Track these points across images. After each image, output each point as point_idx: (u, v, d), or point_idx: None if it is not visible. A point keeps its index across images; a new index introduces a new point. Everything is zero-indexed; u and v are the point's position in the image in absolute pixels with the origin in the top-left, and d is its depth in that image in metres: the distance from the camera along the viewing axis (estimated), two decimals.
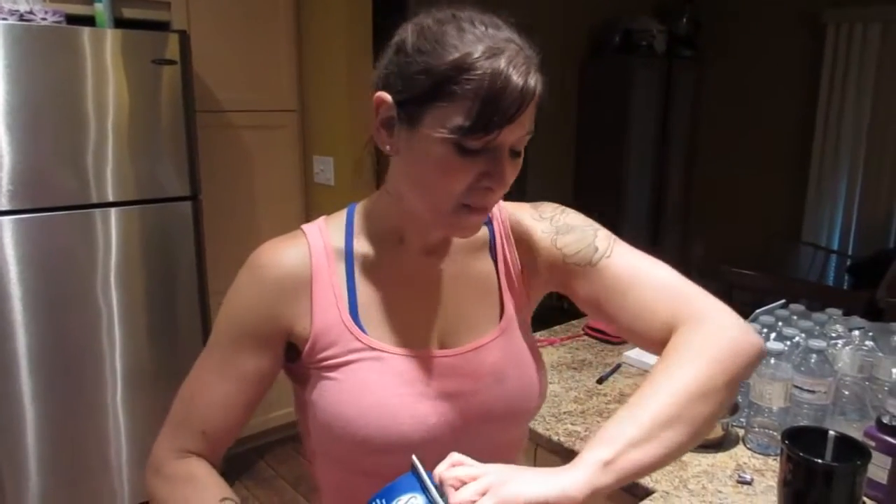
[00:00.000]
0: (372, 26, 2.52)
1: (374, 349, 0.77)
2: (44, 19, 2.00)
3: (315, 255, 0.78)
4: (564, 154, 4.33)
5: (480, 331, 0.82)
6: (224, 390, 0.79)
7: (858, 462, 0.87)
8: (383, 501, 0.60)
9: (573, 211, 0.88)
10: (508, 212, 0.88)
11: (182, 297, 2.38)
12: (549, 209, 0.89)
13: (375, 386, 0.76)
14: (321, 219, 0.83)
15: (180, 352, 2.40)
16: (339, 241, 0.81)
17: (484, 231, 0.87)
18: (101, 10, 2.13)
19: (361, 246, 0.81)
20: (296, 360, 0.80)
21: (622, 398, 1.44)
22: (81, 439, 2.25)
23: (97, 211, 2.15)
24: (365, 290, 0.79)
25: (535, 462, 1.30)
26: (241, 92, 2.58)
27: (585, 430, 1.28)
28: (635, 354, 1.65)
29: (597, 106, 4.30)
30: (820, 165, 4.42)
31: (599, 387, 1.47)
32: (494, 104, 0.66)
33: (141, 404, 2.34)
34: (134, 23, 2.29)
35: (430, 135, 0.68)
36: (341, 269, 0.79)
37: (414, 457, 0.63)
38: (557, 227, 0.86)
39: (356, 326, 0.77)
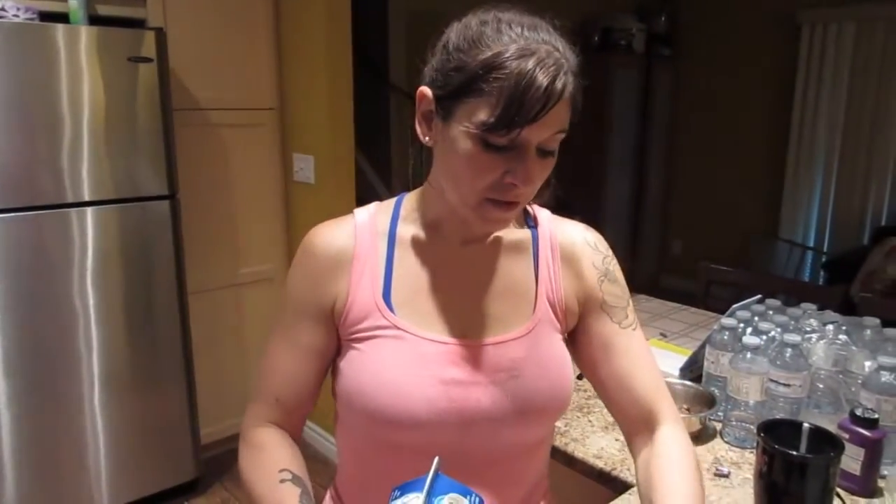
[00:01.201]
0: (352, 22, 2.51)
1: (398, 328, 0.81)
2: (16, 16, 1.97)
3: (359, 235, 0.84)
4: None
5: (508, 327, 0.84)
6: (290, 360, 0.85)
7: (832, 454, 0.88)
8: (398, 493, 0.64)
9: (615, 261, 0.93)
10: (560, 227, 0.91)
11: (160, 298, 2.36)
12: (604, 245, 0.93)
13: (393, 363, 0.80)
14: (374, 203, 0.89)
15: (159, 352, 2.38)
16: (385, 225, 0.86)
17: (527, 234, 0.89)
18: (75, 6, 2.10)
19: (404, 231, 0.85)
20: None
21: None
22: (59, 442, 2.22)
23: (73, 210, 2.12)
24: (401, 273, 0.83)
25: None
26: (219, 90, 2.56)
27: (565, 426, 1.29)
28: None
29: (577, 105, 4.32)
30: (796, 164, 4.48)
31: (580, 382, 1.48)
32: (518, 103, 0.68)
33: (119, 406, 2.31)
34: (109, 20, 2.26)
35: (460, 129, 0.72)
36: (383, 250, 0.84)
37: (436, 460, 0.65)
38: (607, 270, 0.91)
39: (385, 305, 0.82)
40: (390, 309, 0.82)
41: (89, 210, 2.14)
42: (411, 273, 0.84)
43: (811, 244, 4.54)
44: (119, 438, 2.32)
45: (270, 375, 0.87)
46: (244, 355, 2.88)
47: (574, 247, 0.89)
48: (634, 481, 1.11)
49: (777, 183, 4.57)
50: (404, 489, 0.63)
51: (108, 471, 2.33)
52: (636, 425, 0.89)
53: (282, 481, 0.78)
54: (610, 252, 0.93)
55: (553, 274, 0.87)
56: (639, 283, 2.34)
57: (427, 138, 0.78)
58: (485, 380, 0.81)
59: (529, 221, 0.91)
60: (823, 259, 4.35)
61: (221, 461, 2.74)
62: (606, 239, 0.94)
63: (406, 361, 0.80)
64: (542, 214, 0.92)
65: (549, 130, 0.72)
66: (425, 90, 0.76)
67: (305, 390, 0.86)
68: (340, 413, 0.87)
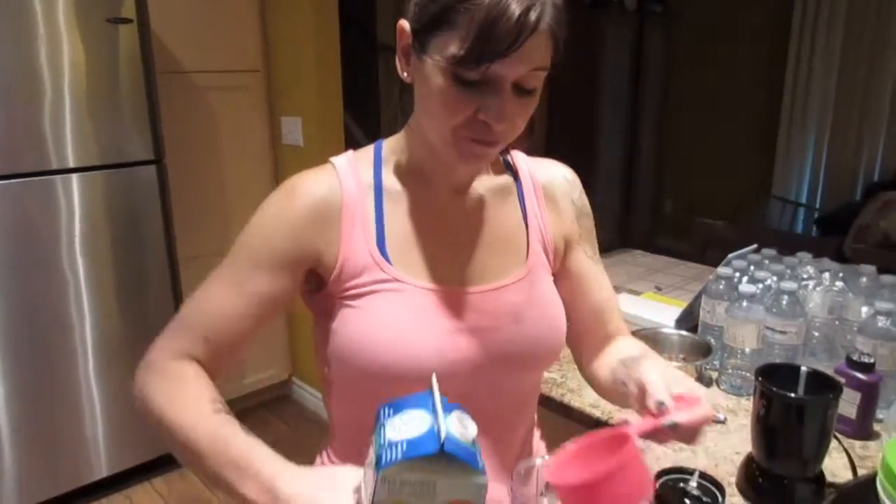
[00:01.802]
0: None
1: (397, 280, 0.78)
2: None
3: (345, 186, 0.79)
4: (537, 110, 4.30)
5: (504, 273, 0.83)
6: (234, 303, 0.78)
7: (831, 396, 0.88)
8: (391, 411, 0.60)
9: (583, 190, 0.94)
10: (538, 168, 0.91)
11: (151, 265, 2.33)
12: (575, 177, 0.93)
13: (397, 317, 0.77)
14: (349, 152, 0.84)
15: (151, 319, 2.36)
16: (369, 176, 0.81)
17: (509, 179, 0.88)
18: None
19: (390, 181, 0.82)
20: (320, 289, 0.81)
21: None
22: (55, 412, 2.21)
23: (58, 177, 2.08)
24: (392, 224, 0.80)
25: None
26: (203, 52, 2.50)
27: (562, 377, 1.28)
28: None
29: (568, 63, 4.27)
30: (789, 122, 4.45)
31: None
32: (487, 35, 0.64)
33: (114, 374, 2.30)
34: None
35: (432, 63, 0.69)
36: (370, 201, 0.80)
37: (434, 376, 0.62)
38: (583, 203, 0.92)
39: (382, 258, 0.78)
40: (387, 261, 0.78)
41: (74, 177, 2.10)
42: (403, 224, 0.81)
43: (804, 201, 4.53)
44: (115, 407, 2.32)
45: (204, 313, 0.79)
46: None
47: (554, 186, 0.90)
48: None
49: (770, 141, 4.54)
50: (398, 407, 0.59)
51: (105, 439, 2.33)
52: (598, 349, 0.93)
53: (216, 412, 0.72)
54: (579, 182, 0.94)
55: (540, 217, 0.87)
56: (632, 242, 2.34)
57: (405, 74, 0.75)
58: (490, 326, 0.80)
59: (509, 166, 0.90)
60: (816, 216, 4.35)
61: None
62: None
63: (410, 314, 0.77)
64: (519, 157, 0.90)
65: (525, 66, 0.67)
66: (404, 24, 0.73)
67: (240, 338, 0.79)
68: (336, 379, 0.84)
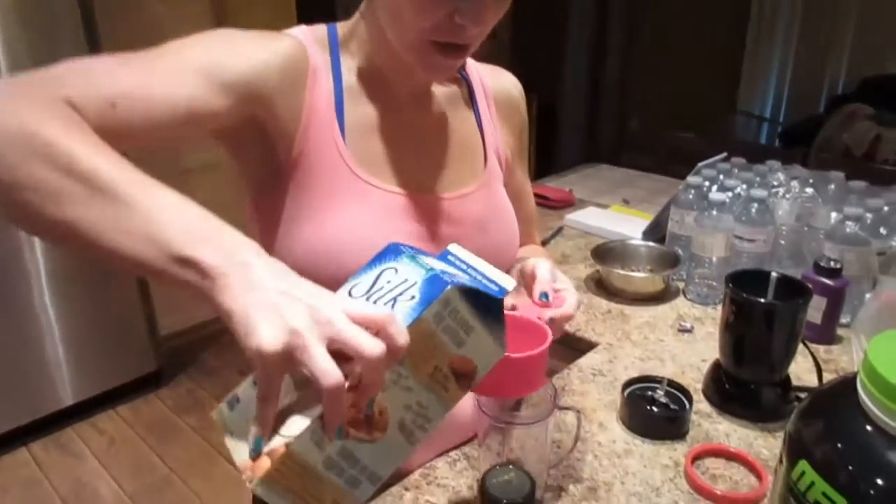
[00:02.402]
0: None
1: (361, 180, 0.72)
2: None
3: (313, 60, 0.71)
4: (502, 30, 4.15)
5: (465, 181, 0.80)
6: (160, 85, 0.60)
7: (801, 301, 0.87)
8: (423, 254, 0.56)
9: None
10: (489, 75, 0.87)
11: None
12: (523, 92, 0.90)
13: (361, 221, 0.72)
14: (303, 27, 0.74)
15: None
16: (327, 62, 0.73)
17: (463, 85, 0.84)
18: None
19: (349, 75, 0.74)
20: (266, 186, 0.72)
21: (565, 259, 1.43)
22: (15, 344, 2.15)
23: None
24: (353, 122, 0.73)
25: None
26: None
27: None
28: (577, 217, 1.63)
29: None
30: (756, 36, 4.39)
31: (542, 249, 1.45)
32: None
33: (70, 300, 2.24)
34: None
35: None
36: (331, 89, 0.72)
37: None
38: (525, 117, 0.90)
39: (348, 152, 0.72)
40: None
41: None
42: (363, 124, 0.74)
43: (768, 115, 4.53)
44: (75, 335, 2.27)
45: (119, 77, 0.58)
46: None
47: (505, 97, 0.88)
48: (599, 340, 1.11)
49: (737, 56, 4.48)
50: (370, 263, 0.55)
51: (69, 367, 2.29)
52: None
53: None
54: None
55: (494, 128, 0.85)
56: (599, 158, 2.30)
57: None
58: (454, 234, 0.77)
59: (461, 70, 0.85)
60: (780, 129, 4.36)
61: (183, 353, 2.72)
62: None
63: (374, 218, 0.72)
64: (470, 62, 0.86)
65: None
66: None
67: (151, 125, 0.58)
68: None
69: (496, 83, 0.87)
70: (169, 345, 2.68)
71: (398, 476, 0.79)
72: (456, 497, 0.76)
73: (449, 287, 0.49)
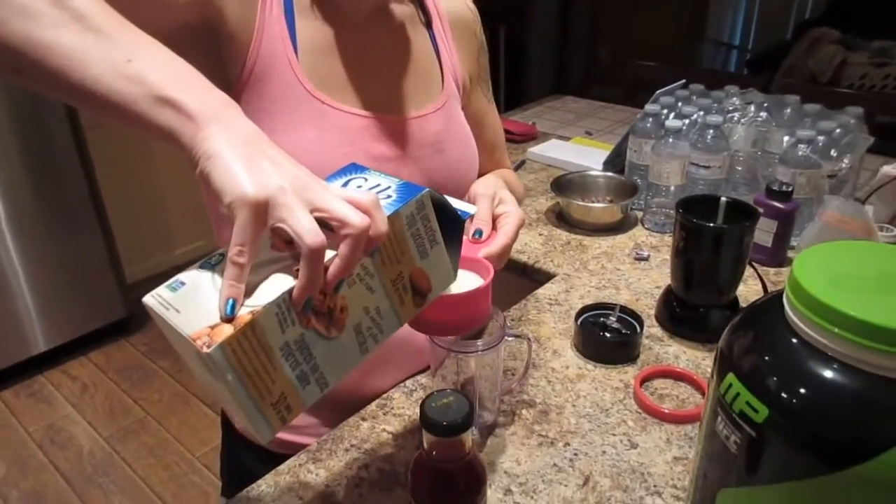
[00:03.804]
0: None
1: (317, 100, 0.70)
2: None
3: None
4: None
5: (422, 102, 0.79)
6: None
7: (747, 223, 0.88)
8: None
9: None
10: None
11: (55, 131, 2.17)
12: (478, 13, 0.88)
13: (317, 141, 0.70)
14: None
15: (64, 191, 2.24)
16: None
17: (415, 6, 0.81)
18: None
19: None
20: (218, 80, 0.68)
21: (526, 192, 1.43)
22: None
23: None
24: (306, 40, 0.71)
25: None
26: None
27: None
28: (539, 150, 1.62)
29: None
30: None
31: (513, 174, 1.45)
32: None
33: (34, 248, 2.22)
34: None
35: None
36: (281, 5, 0.69)
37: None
38: (482, 39, 0.88)
39: (302, 71, 0.70)
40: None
41: None
42: (316, 44, 0.72)
43: (737, 43, 4.49)
44: (41, 283, 2.25)
45: None
46: (158, 191, 2.75)
47: (460, 18, 0.85)
48: (557, 271, 1.12)
49: None
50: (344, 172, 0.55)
51: (37, 315, 2.28)
52: None
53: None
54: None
55: (449, 50, 0.83)
56: (567, 90, 2.27)
57: None
58: (413, 155, 0.77)
59: None
60: (748, 56, 4.33)
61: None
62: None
63: (331, 139, 0.71)
64: None
65: None
66: None
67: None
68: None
69: (450, 5, 0.84)
70: (136, 293, 2.66)
71: (355, 407, 0.81)
72: (412, 426, 0.78)
73: (426, 190, 0.50)
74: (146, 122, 0.44)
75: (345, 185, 0.53)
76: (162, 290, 0.48)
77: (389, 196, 0.50)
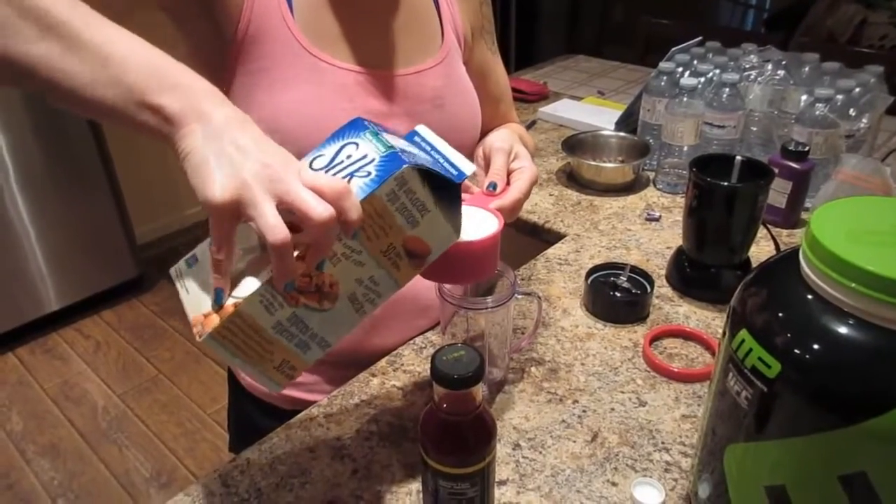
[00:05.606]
0: None
1: (314, 57, 0.70)
2: None
3: None
4: None
5: (421, 57, 0.78)
6: None
7: (762, 182, 0.87)
8: (379, 128, 0.55)
9: None
10: None
11: None
12: None
13: (314, 100, 0.70)
14: None
15: (72, 146, 2.24)
16: None
17: None
18: None
19: None
20: (214, 40, 0.69)
21: (537, 152, 1.41)
22: None
23: None
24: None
25: None
26: None
27: None
28: (550, 110, 1.60)
29: None
30: None
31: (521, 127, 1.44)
32: None
33: (43, 206, 2.23)
34: None
35: None
36: None
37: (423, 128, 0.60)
38: None
39: (297, 27, 0.69)
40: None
41: None
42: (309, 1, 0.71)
43: (754, 2, 4.38)
44: (53, 242, 2.27)
45: None
46: (167, 152, 2.73)
47: None
48: (568, 231, 1.12)
49: None
50: (385, 131, 0.55)
51: (50, 274, 2.30)
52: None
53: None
54: None
55: (449, 1, 0.81)
56: (580, 50, 2.22)
57: None
58: (410, 110, 0.76)
59: None
60: (766, 15, 4.23)
61: (162, 259, 2.72)
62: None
63: (328, 96, 0.70)
64: None
65: None
66: None
67: None
68: None
69: None
70: (147, 254, 2.68)
71: (359, 363, 0.81)
72: (422, 381, 0.79)
73: (405, 167, 0.49)
74: (138, 125, 0.47)
75: (337, 153, 0.52)
76: (181, 264, 0.52)
77: (369, 174, 0.49)
